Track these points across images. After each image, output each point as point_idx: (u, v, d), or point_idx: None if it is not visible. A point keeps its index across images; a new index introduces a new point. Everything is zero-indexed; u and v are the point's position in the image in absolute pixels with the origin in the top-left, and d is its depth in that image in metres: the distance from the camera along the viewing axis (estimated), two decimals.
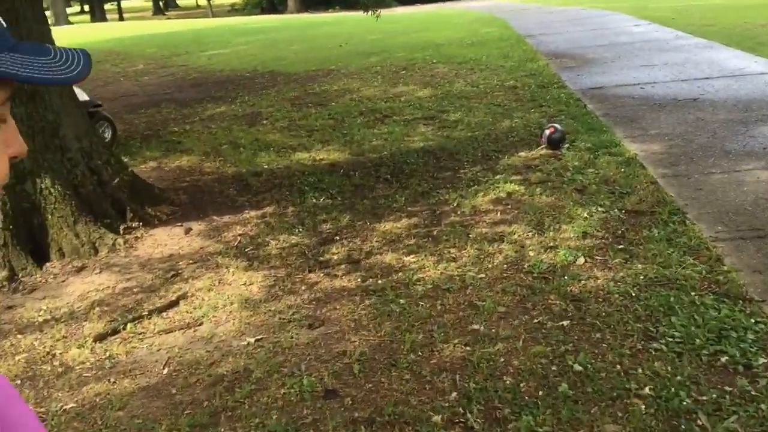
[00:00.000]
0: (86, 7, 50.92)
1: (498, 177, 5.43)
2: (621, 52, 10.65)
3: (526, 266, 3.87)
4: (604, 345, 3.04)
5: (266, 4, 39.01)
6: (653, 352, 2.95)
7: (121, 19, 42.56)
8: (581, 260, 3.85)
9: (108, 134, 7.14)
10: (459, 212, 4.81)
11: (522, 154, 6.03)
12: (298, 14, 32.73)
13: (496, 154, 6.08)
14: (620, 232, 4.17)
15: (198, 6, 52.87)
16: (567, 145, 6.05)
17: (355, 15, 28.81)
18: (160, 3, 49.49)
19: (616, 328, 3.15)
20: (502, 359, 3.02)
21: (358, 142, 6.86)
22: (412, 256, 4.17)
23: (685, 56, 9.64)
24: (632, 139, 6.00)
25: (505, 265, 3.92)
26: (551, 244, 4.12)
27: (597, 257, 3.88)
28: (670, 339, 3.02)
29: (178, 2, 58.23)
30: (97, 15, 42.90)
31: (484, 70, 10.31)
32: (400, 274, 3.96)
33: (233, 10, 42.42)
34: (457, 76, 10.01)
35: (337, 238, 4.56)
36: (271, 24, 25.05)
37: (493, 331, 3.24)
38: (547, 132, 6.06)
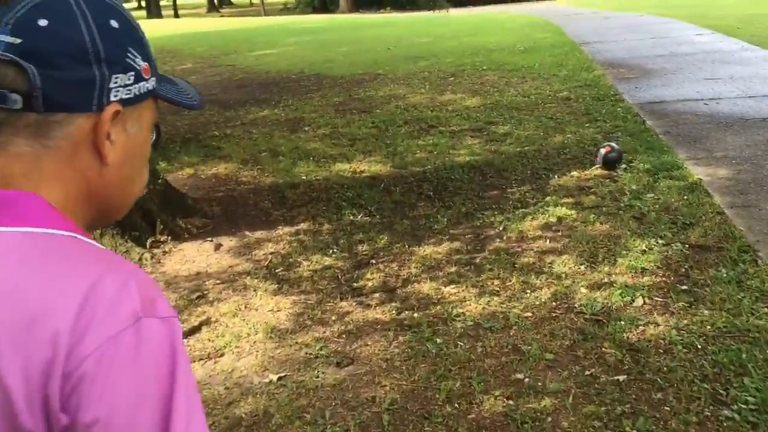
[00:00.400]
0: (143, 3, 51.75)
1: (548, 199, 5.08)
2: (682, 63, 10.13)
3: (576, 305, 3.52)
4: (666, 408, 2.69)
5: (318, 4, 39.03)
6: (723, 421, 2.58)
7: (176, 15, 43.10)
8: (639, 301, 3.49)
9: (152, 137, 6.97)
10: (504, 237, 4.48)
11: (575, 173, 5.66)
12: (349, 14, 32.61)
13: (546, 173, 5.72)
14: (683, 269, 3.79)
15: (251, 4, 53.32)
16: (624, 166, 5.65)
17: (405, 16, 28.61)
18: (215, 0, 49.98)
19: (680, 388, 2.79)
20: (549, 419, 2.69)
21: (401, 154, 6.57)
22: (452, 286, 3.86)
23: (753, 70, 9.10)
24: (696, 162, 5.57)
25: (553, 303, 3.58)
26: (605, 279, 3.76)
27: (657, 298, 3.52)
28: (743, 405, 2.65)
29: (232, 0, 58.80)
30: (153, 11, 43.49)
31: (536, 78, 9.92)
32: (438, 307, 3.65)
33: (285, 9, 42.59)
34: (508, 85, 9.64)
35: (373, 261, 4.28)
36: (321, 24, 24.96)
37: (540, 383, 2.91)
38: (603, 151, 5.67)
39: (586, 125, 7.10)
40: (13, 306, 0.65)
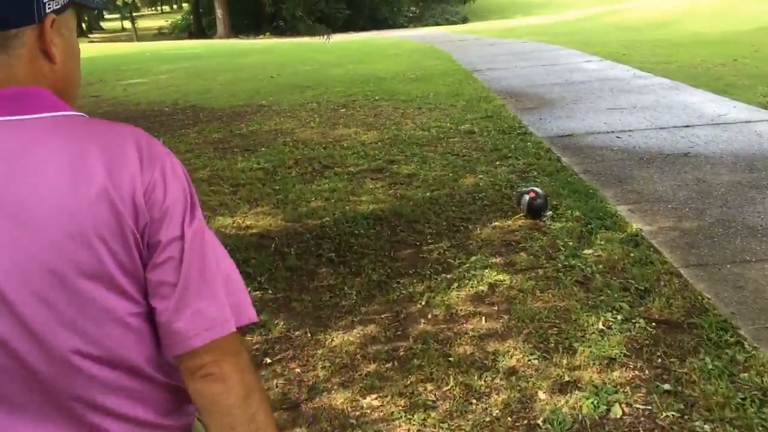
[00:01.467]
0: None
1: (473, 259, 4.29)
2: (580, 92, 9.77)
3: (540, 421, 2.70)
4: None
5: (195, 29, 37.50)
6: None
7: None
8: (617, 411, 2.71)
9: None
10: (430, 316, 3.63)
11: (496, 223, 4.91)
12: (227, 39, 31.32)
13: (464, 224, 4.94)
14: (658, 358, 3.05)
15: (123, 29, 50.75)
16: (549, 213, 4.97)
17: (286, 42, 27.63)
18: (83, 25, 47.16)
19: None
20: None
21: (293, 203, 5.63)
22: (372, 395, 2.96)
23: (654, 99, 8.81)
24: (629, 208, 4.96)
25: (509, 418, 2.74)
26: (566, 377, 2.97)
27: (638, 406, 2.75)
28: None
29: (102, 24, 55.89)
30: None
31: (434, 109, 9.26)
32: (358, 431, 2.73)
33: (160, 34, 40.71)
34: (405, 117, 8.92)
35: (268, 360, 3.31)
36: (198, 50, 23.63)
37: None
38: (527, 197, 4.96)
39: (497, 163, 6.43)
40: (95, 159, 0.95)
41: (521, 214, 4.97)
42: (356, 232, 4.93)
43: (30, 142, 0.93)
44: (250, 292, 3.49)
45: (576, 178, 5.72)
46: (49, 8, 0.98)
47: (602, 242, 4.37)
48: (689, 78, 10.28)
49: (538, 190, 5.04)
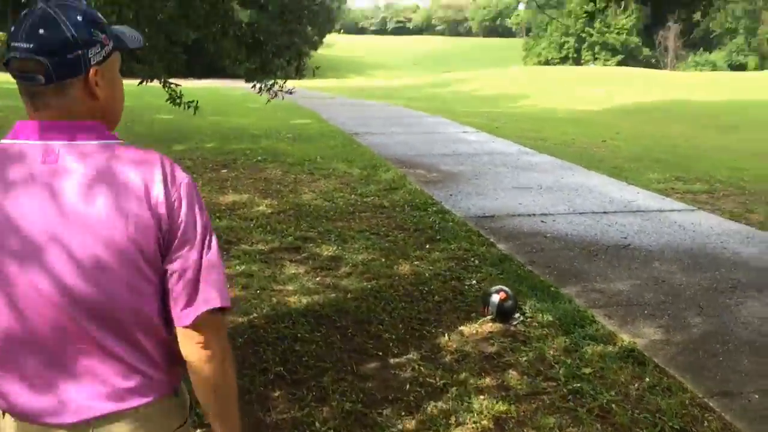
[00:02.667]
0: None
1: (458, 378, 3.56)
2: (476, 166, 9.49)
3: None
4: None
5: None
6: None
7: None
8: None
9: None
10: None
11: (463, 328, 4.23)
12: None
13: (425, 328, 4.21)
14: None
15: None
16: (518, 316, 4.38)
17: (126, 84, 25.61)
18: None
19: None
20: None
21: None
22: None
23: (554, 179, 8.67)
24: (604, 312, 4.48)
25: None
26: None
27: None
28: None
29: None
30: None
31: (329, 176, 8.53)
32: None
33: None
34: (298, 183, 8.11)
35: None
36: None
37: None
38: (496, 298, 4.34)
39: (428, 246, 5.80)
40: (132, 179, 1.29)
41: (488, 317, 4.33)
42: (298, 335, 4.04)
43: (87, 167, 1.29)
44: None
45: (526, 271, 5.20)
46: (92, 62, 1.31)
47: (597, 358, 3.81)
48: (573, 158, 10.36)
49: (507, 289, 4.44)
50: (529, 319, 4.35)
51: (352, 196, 7.51)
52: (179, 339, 1.36)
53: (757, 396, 3.42)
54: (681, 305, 4.59)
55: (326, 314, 4.37)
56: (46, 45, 1.25)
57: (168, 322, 1.36)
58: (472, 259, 5.50)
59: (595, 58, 60.54)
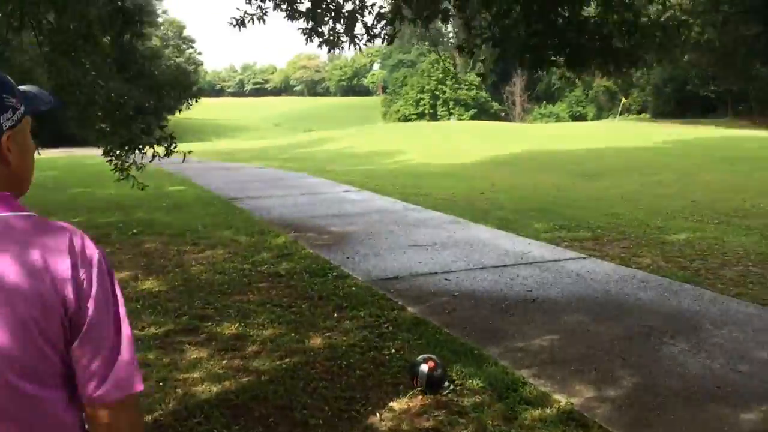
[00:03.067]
0: None
1: None
2: (366, 225, 9.34)
3: None
4: None
5: None
6: None
7: None
8: None
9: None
10: None
11: (393, 404, 3.95)
12: None
13: (353, 408, 3.89)
14: None
15: None
16: (448, 385, 4.16)
17: None
18: None
19: None
20: None
21: None
22: None
23: (447, 234, 8.65)
24: (532, 372, 4.34)
25: None
26: None
27: None
28: None
29: None
30: None
31: (215, 246, 8.07)
32: None
33: None
34: (184, 255, 7.60)
35: None
36: None
37: None
38: (425, 368, 4.10)
39: (336, 316, 5.50)
40: (38, 256, 1.22)
41: (418, 389, 4.08)
42: (214, 431, 3.61)
43: None
44: None
45: (444, 334, 5.01)
46: (5, 126, 1.27)
47: (539, 424, 3.64)
48: (459, 211, 10.45)
49: (434, 357, 4.22)
50: (458, 387, 4.14)
51: (245, 265, 7.10)
52: (89, 421, 1.32)
53: None
54: (604, 358, 4.55)
55: (242, 403, 3.96)
56: None
57: (74, 406, 1.32)
58: (385, 325, 5.25)
59: (450, 114, 63.19)
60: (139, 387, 1.32)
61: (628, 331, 5.06)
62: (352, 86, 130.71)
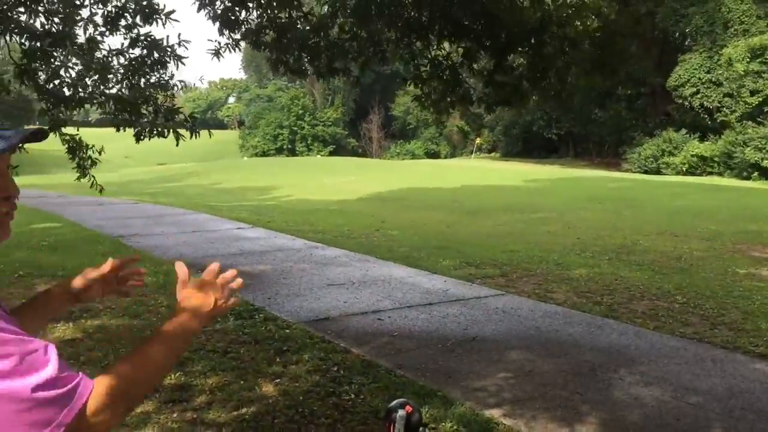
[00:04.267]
0: None
1: None
2: (275, 264, 9.08)
3: None
4: None
5: None
6: None
7: None
8: None
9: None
10: None
11: None
12: None
13: None
14: None
15: None
16: (423, 430, 4.07)
17: None
18: None
19: None
20: None
21: None
22: None
23: (362, 272, 8.58)
24: (500, 413, 4.34)
25: None
26: None
27: None
28: None
29: None
30: None
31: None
32: None
33: None
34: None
35: None
36: None
37: None
38: (403, 413, 3.96)
39: (278, 360, 5.28)
40: None
41: None
42: None
43: None
44: None
45: (400, 377, 4.93)
46: None
47: None
48: (362, 249, 10.41)
49: (411, 402, 4.10)
50: (433, 431, 4.08)
51: (161, 308, 6.67)
52: None
53: None
54: (563, 394, 4.65)
55: None
56: None
57: None
58: (335, 368, 5.10)
59: (309, 149, 63.37)
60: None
61: (574, 367, 5.22)
62: (205, 119, 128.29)
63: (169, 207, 16.91)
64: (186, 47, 5.79)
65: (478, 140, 53.86)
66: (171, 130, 6.17)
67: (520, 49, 5.89)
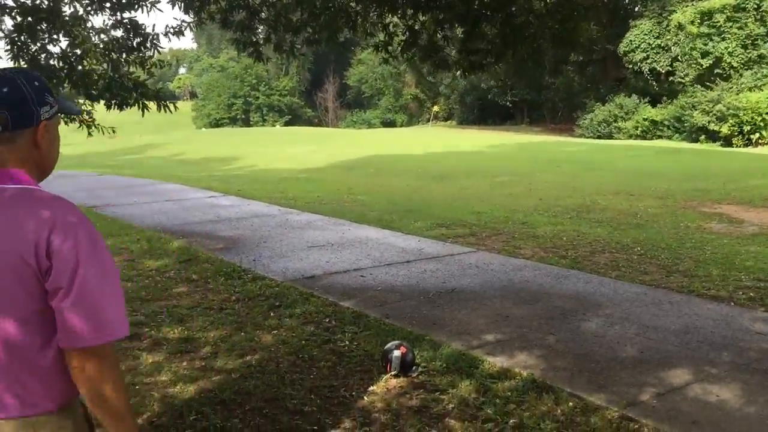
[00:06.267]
0: None
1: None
2: (254, 229, 9.39)
3: None
4: None
5: None
6: None
7: None
8: None
9: None
10: None
11: (373, 387, 4.24)
12: None
13: (336, 394, 4.13)
14: None
15: None
16: (416, 368, 4.51)
17: None
18: None
19: None
20: None
21: None
22: None
23: (337, 235, 8.94)
24: (484, 351, 4.79)
25: None
26: None
27: None
28: None
29: None
30: None
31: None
32: None
33: None
34: None
35: None
36: None
37: None
38: (398, 353, 4.42)
39: (272, 315, 5.64)
40: (26, 216, 1.51)
41: (392, 373, 4.39)
42: (218, 425, 3.70)
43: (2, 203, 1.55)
44: None
45: (388, 324, 5.33)
46: (43, 117, 1.62)
47: (512, 393, 4.09)
48: (336, 213, 10.79)
49: (405, 343, 4.55)
50: (425, 369, 4.50)
51: (151, 271, 6.97)
52: (68, 362, 1.56)
53: (656, 401, 3.99)
54: (538, 335, 5.12)
55: (228, 398, 4.05)
56: (7, 101, 1.56)
57: (51, 351, 1.57)
58: (326, 320, 5.49)
59: (264, 119, 62.90)
60: (100, 339, 1.53)
61: (546, 312, 5.70)
62: (156, 90, 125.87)
63: (136, 178, 16.98)
64: (169, 38, 6.01)
65: (435, 108, 54.28)
66: (139, 103, 6.41)
67: (491, 18, 6.25)
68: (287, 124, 59.93)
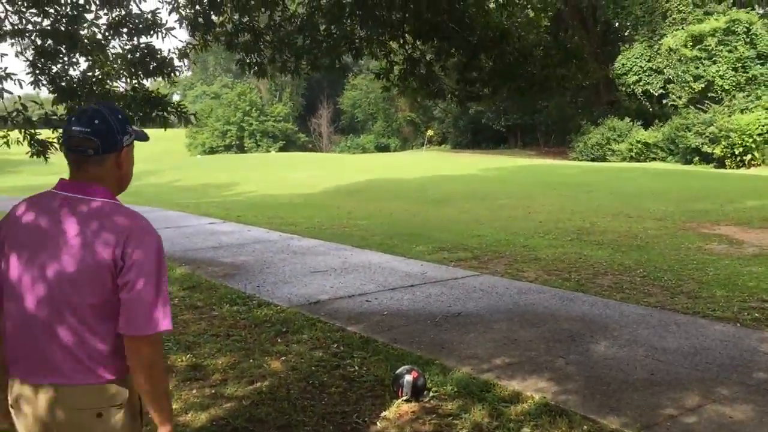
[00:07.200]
0: None
1: None
2: (256, 255, 9.39)
3: None
4: None
5: None
6: None
7: None
8: None
9: None
10: None
11: (385, 413, 4.23)
12: None
13: (349, 420, 4.12)
14: None
15: None
16: (427, 393, 4.51)
17: None
18: None
19: None
20: None
21: None
22: None
23: (339, 260, 8.95)
24: (494, 375, 4.79)
25: None
26: None
27: None
28: None
29: None
30: None
31: None
32: None
33: None
34: None
35: None
36: None
37: None
38: (410, 378, 4.42)
39: (280, 341, 5.64)
40: (108, 224, 1.93)
41: (402, 399, 4.39)
42: None
43: (85, 215, 1.95)
44: None
45: (397, 350, 5.33)
46: (124, 144, 2.02)
47: (526, 417, 4.09)
48: (337, 239, 10.80)
49: (416, 368, 4.56)
50: (436, 394, 4.50)
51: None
52: (125, 344, 1.94)
53: (670, 423, 3.99)
54: (547, 358, 5.12)
55: (240, 426, 4.05)
56: (98, 130, 1.96)
57: (111, 332, 1.95)
58: (334, 345, 5.48)
59: (258, 145, 62.88)
60: (153, 330, 1.91)
61: (553, 334, 5.70)
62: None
63: (134, 205, 16.90)
64: (185, 64, 6.09)
65: (429, 132, 54.45)
66: (159, 117, 6.48)
67: (486, 52, 6.32)
68: (281, 149, 59.96)
